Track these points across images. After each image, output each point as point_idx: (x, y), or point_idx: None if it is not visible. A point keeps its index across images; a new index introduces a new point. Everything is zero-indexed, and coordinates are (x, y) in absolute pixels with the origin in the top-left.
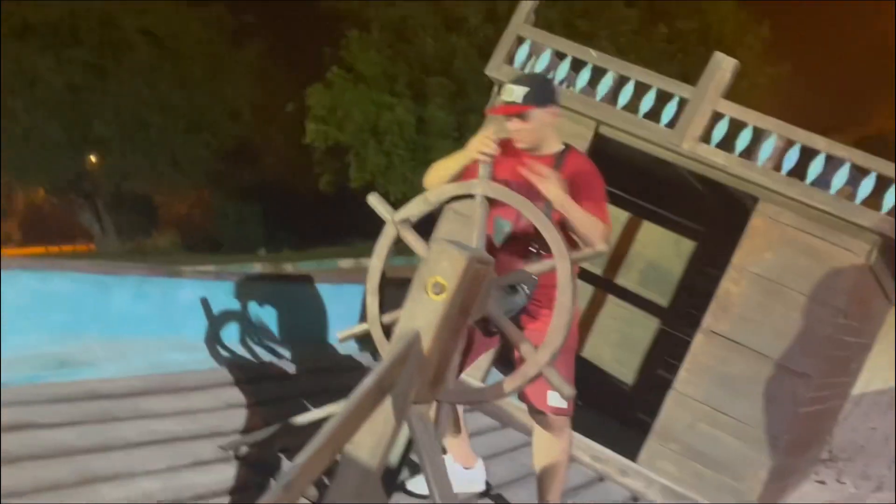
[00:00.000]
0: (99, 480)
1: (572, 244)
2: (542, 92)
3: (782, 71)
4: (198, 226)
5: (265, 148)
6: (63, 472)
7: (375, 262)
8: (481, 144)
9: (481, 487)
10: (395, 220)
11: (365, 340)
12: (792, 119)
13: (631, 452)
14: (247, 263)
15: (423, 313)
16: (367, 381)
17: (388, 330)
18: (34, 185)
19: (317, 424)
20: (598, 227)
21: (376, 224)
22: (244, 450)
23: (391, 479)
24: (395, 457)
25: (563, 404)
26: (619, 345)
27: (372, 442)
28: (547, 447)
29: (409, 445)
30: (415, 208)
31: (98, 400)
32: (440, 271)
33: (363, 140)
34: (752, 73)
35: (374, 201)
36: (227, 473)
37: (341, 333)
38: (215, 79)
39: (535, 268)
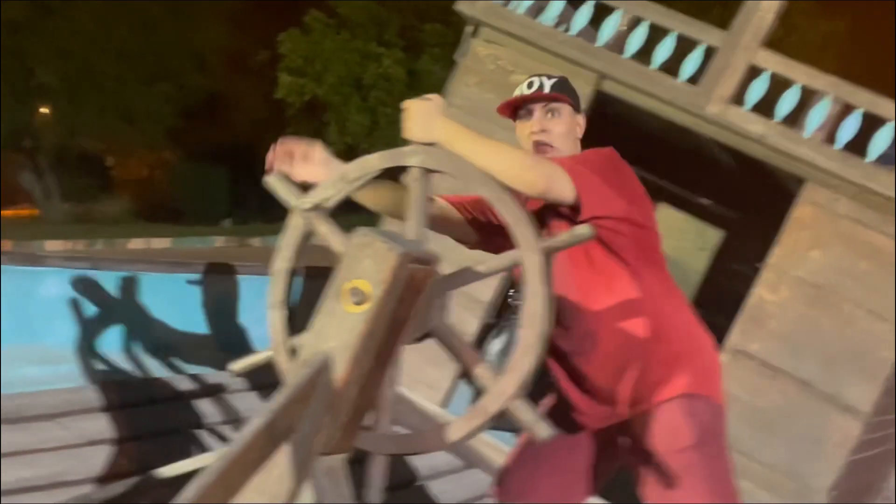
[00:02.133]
0: None
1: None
2: (573, 90)
3: (838, 27)
4: (156, 191)
5: (234, 103)
6: None
7: (280, 267)
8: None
9: None
10: (301, 209)
11: None
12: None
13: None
14: (208, 236)
15: (336, 330)
16: (255, 423)
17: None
18: None
19: (188, 479)
20: (517, 161)
21: None
22: None
23: None
24: None
25: None
26: None
27: (263, 501)
28: None
29: None
30: (329, 190)
31: None
32: (361, 273)
33: (344, 96)
34: (804, 29)
35: (273, 184)
36: None
37: (235, 365)
38: (178, 21)
39: (491, 264)
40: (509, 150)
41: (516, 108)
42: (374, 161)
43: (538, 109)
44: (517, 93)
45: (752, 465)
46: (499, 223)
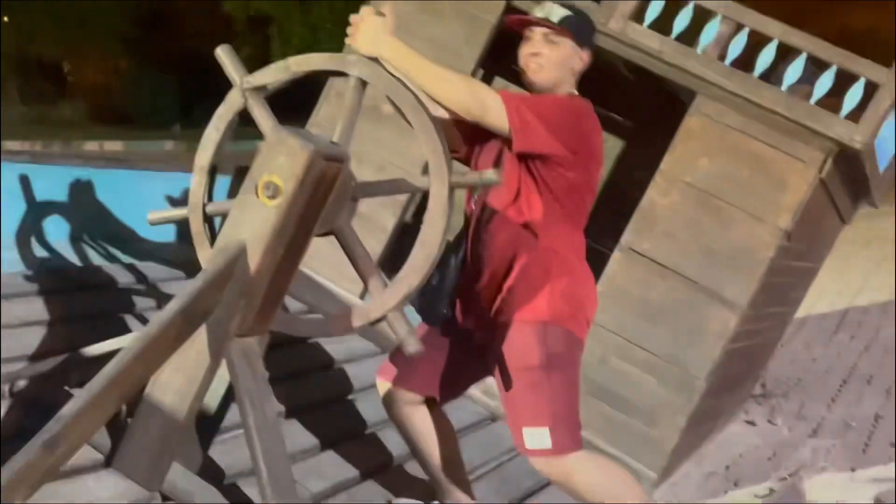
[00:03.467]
0: None
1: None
2: (583, 25)
3: None
4: (110, 97)
5: (185, 15)
6: None
7: (211, 134)
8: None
9: None
10: (243, 86)
11: None
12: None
13: None
14: (158, 140)
15: (251, 221)
16: (172, 305)
17: (212, 222)
18: None
19: (110, 358)
20: (456, 86)
21: (307, 101)
22: (21, 384)
23: (209, 431)
24: (213, 402)
25: (546, 444)
26: None
27: (180, 383)
28: (571, 492)
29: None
30: (272, 75)
31: None
32: (276, 169)
33: (287, 10)
34: None
35: (223, 56)
36: None
37: (153, 214)
38: None
39: (407, 185)
40: (451, 74)
41: (524, 26)
42: (318, 60)
43: (538, 33)
44: (533, 13)
45: (642, 353)
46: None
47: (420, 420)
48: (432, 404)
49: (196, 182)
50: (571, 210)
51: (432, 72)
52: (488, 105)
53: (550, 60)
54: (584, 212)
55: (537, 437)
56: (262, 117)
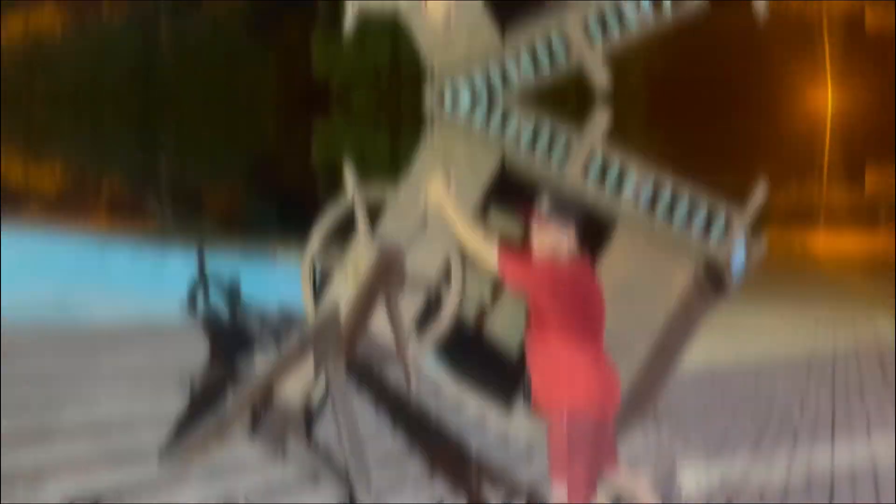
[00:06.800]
0: None
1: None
2: (566, 213)
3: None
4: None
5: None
6: None
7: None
8: None
9: None
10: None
11: None
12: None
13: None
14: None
15: (344, 290)
16: (295, 340)
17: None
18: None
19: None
20: (483, 254)
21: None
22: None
23: (312, 418)
24: (316, 400)
25: (563, 499)
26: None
27: (297, 386)
28: None
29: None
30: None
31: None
32: (360, 258)
33: None
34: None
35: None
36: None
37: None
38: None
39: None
40: (477, 242)
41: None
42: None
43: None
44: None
45: None
46: None
47: None
48: None
49: (314, 238)
50: (566, 326)
51: (469, 233)
52: (487, 257)
53: (542, 241)
54: (579, 327)
55: (558, 492)
56: (362, 220)
